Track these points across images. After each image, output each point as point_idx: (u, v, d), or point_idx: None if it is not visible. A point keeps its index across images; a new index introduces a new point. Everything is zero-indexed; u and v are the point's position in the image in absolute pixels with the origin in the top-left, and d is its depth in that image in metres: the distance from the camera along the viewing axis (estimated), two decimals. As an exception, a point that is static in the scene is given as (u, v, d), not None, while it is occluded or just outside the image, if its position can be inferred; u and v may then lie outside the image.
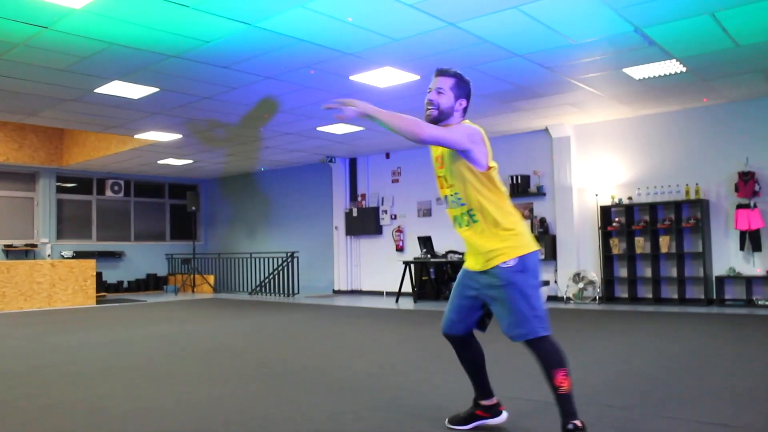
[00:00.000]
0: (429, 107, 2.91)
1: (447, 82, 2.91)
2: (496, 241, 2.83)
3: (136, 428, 3.33)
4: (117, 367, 5.19)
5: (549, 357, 2.77)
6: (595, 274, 10.33)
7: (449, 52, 6.74)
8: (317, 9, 5.50)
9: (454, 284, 3.06)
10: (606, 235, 10.29)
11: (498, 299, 2.83)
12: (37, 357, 5.81)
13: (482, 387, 3.13)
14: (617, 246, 10.19)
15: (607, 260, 10.28)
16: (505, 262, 2.79)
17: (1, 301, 10.75)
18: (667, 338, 6.30)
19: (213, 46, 6.41)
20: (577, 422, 2.72)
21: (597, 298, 10.22)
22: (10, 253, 13.75)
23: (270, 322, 8.47)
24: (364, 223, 13.51)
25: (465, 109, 2.99)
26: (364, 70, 7.32)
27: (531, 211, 11.28)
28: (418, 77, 7.66)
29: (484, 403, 3.14)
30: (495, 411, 3.15)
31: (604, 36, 6.25)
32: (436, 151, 3.01)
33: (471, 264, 2.97)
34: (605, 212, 10.29)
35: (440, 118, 2.91)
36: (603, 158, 10.46)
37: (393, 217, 13.28)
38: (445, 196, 3.00)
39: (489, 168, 2.87)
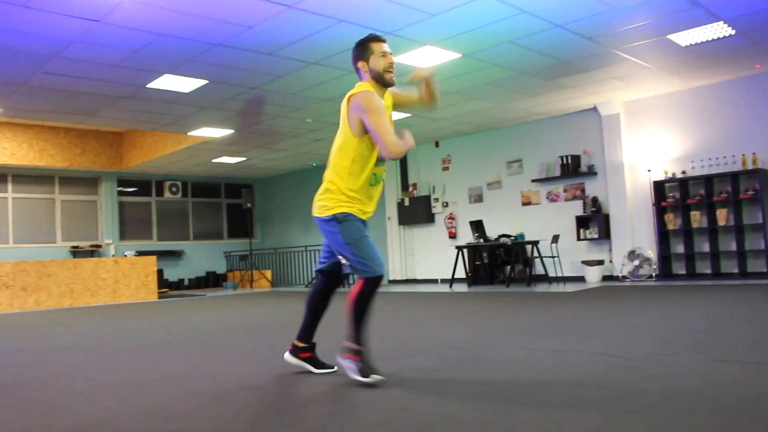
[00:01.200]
0: (392, 70, 3.28)
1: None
2: None
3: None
4: (177, 341, 5.40)
5: None
6: (651, 251, 10.14)
7: (488, 26, 6.75)
8: (353, -14, 5.61)
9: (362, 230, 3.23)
10: (660, 211, 10.09)
11: None
12: (105, 335, 6.09)
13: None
14: (672, 221, 9.98)
15: (663, 237, 10.08)
16: None
17: (70, 297, 11.23)
18: (726, 303, 6.18)
19: (256, 31, 6.58)
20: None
21: (654, 275, 10.03)
22: (77, 254, 14.32)
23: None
24: (417, 212, 13.58)
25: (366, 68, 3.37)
26: (407, 50, 7.37)
27: (583, 191, 11.15)
28: (459, 55, 7.68)
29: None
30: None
31: (643, -2, 6.17)
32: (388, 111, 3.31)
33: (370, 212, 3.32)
34: (659, 188, 10.10)
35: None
36: (654, 133, 10.27)
37: (444, 204, 13.30)
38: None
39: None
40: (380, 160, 3.22)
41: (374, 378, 3.03)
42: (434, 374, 3.39)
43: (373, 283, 3.10)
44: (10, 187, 14.01)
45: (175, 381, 3.54)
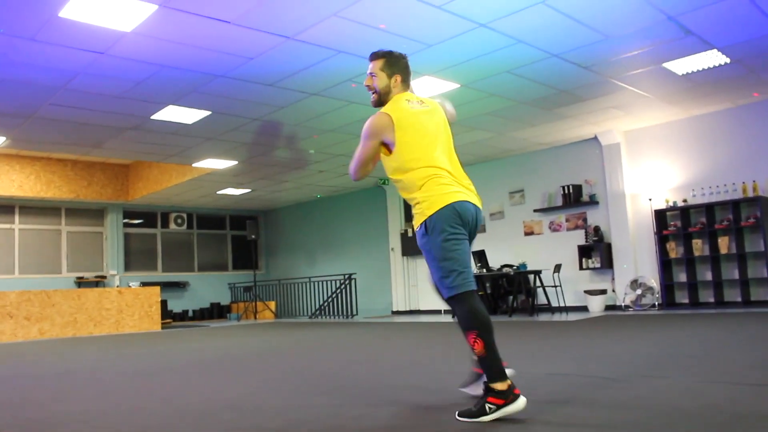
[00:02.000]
0: (370, 92, 3.12)
1: (377, 65, 3.08)
2: None
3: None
4: (178, 365, 5.42)
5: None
6: (653, 280, 10.12)
7: (485, 56, 6.86)
8: (350, 17, 5.72)
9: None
10: (662, 239, 10.09)
11: None
12: (109, 362, 6.11)
13: None
14: (674, 250, 9.98)
15: (665, 265, 10.07)
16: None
17: (74, 327, 11.25)
18: (727, 330, 6.16)
19: (257, 62, 6.71)
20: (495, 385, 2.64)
21: (656, 304, 10.00)
22: (82, 284, 14.39)
23: (325, 336, 8.63)
24: (419, 242, 13.57)
25: (403, 81, 3.11)
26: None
27: (585, 220, 11.17)
28: (458, 85, 7.79)
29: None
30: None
31: (637, 28, 6.26)
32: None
33: None
34: (660, 216, 10.12)
35: (382, 99, 3.08)
36: (655, 162, 10.32)
37: (447, 235, 13.29)
38: None
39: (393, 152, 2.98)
40: None
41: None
42: (432, 395, 3.40)
43: None
44: (17, 218, 14.15)
45: (169, 402, 3.56)
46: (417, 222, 2.89)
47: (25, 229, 14.26)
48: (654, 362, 4.20)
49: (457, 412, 2.70)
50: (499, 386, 2.63)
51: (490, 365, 2.67)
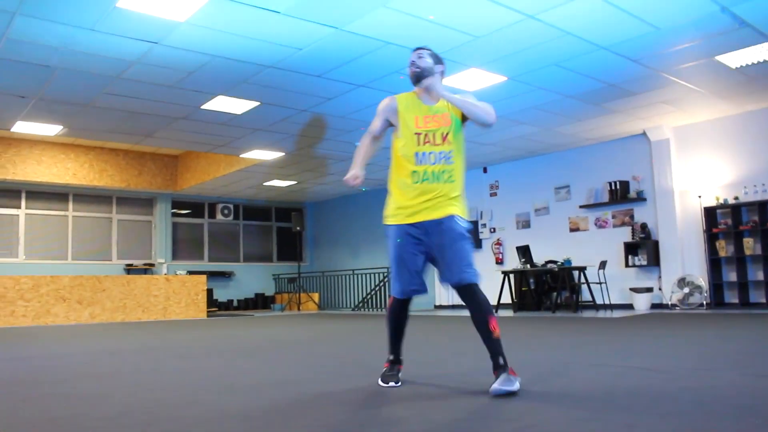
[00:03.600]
0: (412, 66, 3.23)
1: (425, 51, 3.27)
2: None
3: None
4: (225, 349, 5.56)
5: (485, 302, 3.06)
6: (701, 278, 9.93)
7: (532, 48, 6.83)
8: (399, 8, 5.77)
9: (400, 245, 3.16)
10: (712, 237, 9.90)
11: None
12: (159, 344, 6.30)
13: (398, 342, 3.37)
14: (724, 249, 9.78)
15: (714, 264, 9.87)
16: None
17: (123, 312, 11.58)
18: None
19: (306, 53, 6.80)
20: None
21: (705, 303, 9.81)
22: (131, 271, 14.76)
23: (367, 327, 8.70)
24: (463, 237, 13.56)
25: (443, 73, 3.31)
26: (452, 72, 7.48)
27: (632, 217, 11.02)
28: (505, 78, 7.77)
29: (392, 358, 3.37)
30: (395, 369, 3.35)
31: (689, 19, 6.15)
32: (448, 108, 3.21)
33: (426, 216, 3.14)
34: (710, 214, 9.92)
35: (422, 75, 3.20)
36: (705, 159, 10.12)
37: (492, 230, 13.29)
38: (429, 152, 3.15)
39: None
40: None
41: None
42: (467, 378, 3.43)
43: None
44: (71, 205, 14.58)
45: (219, 379, 3.67)
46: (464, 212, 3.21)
47: (78, 216, 14.69)
48: (701, 357, 4.15)
49: (495, 383, 2.84)
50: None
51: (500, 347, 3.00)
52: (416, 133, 3.16)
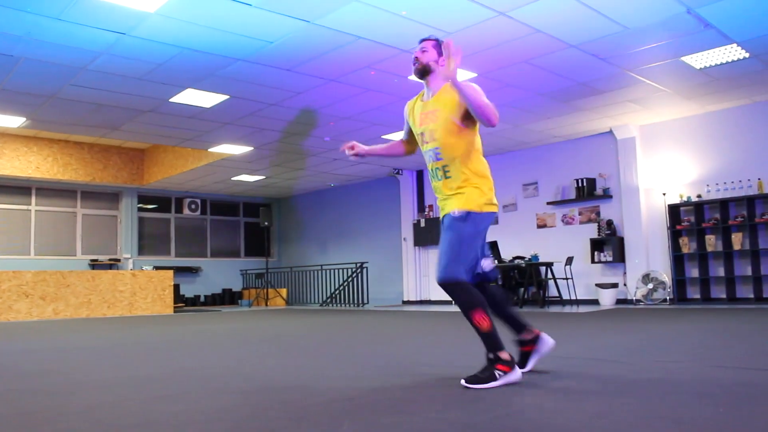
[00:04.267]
0: (415, 63, 3.20)
1: (429, 43, 3.21)
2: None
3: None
4: (192, 343, 5.51)
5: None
6: (665, 274, 10.12)
7: (503, 44, 6.88)
8: (371, 2, 5.77)
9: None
10: (675, 234, 10.10)
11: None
12: (125, 339, 6.21)
13: (513, 323, 3.25)
14: (687, 245, 9.98)
15: (678, 260, 10.07)
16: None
17: (87, 308, 11.39)
18: (738, 323, 6.17)
19: (276, 46, 6.77)
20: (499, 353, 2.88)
21: (668, 299, 10.00)
22: (96, 267, 14.53)
23: (336, 322, 8.70)
24: (432, 233, 13.65)
25: None
26: (422, 68, 7.50)
27: (598, 213, 11.18)
28: (475, 75, 7.82)
29: (524, 337, 3.25)
30: (537, 340, 3.26)
31: (657, 19, 6.26)
32: (437, 104, 3.15)
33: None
34: (674, 211, 10.12)
35: (425, 71, 3.18)
36: (670, 157, 10.32)
37: (459, 226, 13.34)
38: (426, 151, 3.20)
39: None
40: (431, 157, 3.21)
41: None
42: (442, 370, 3.46)
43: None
44: (33, 199, 14.29)
45: (186, 374, 3.64)
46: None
47: (41, 210, 14.40)
48: (666, 349, 4.23)
49: (463, 380, 2.85)
50: (505, 355, 2.89)
51: (497, 336, 2.93)
52: (419, 133, 3.23)
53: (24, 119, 9.63)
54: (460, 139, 3.07)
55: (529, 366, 3.23)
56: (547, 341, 3.26)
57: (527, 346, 3.25)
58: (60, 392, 3.08)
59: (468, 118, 3.06)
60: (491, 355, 2.89)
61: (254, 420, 2.32)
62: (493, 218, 3.13)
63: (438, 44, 3.20)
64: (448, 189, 3.11)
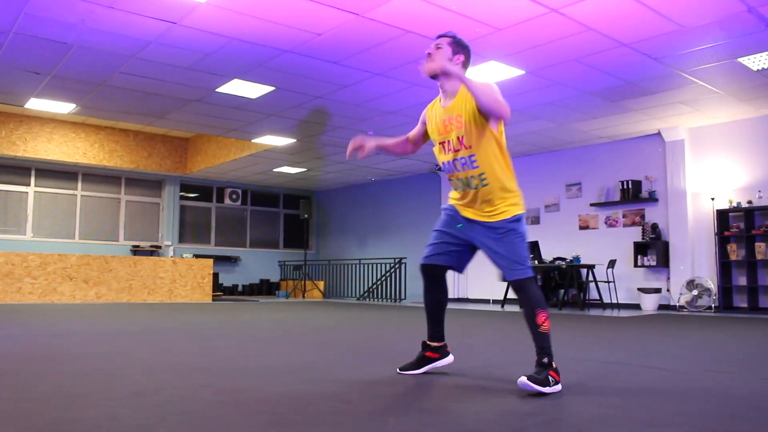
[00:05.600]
0: (426, 60, 3.06)
1: (444, 40, 3.06)
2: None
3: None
4: (232, 333, 5.55)
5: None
6: (711, 281, 9.88)
7: (553, 42, 6.76)
8: (422, -4, 5.71)
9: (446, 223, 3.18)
10: (723, 240, 9.84)
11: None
12: (162, 325, 6.29)
13: (436, 328, 3.27)
14: (735, 252, 9.72)
15: (724, 267, 9.82)
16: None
17: (128, 293, 11.58)
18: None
19: (324, 38, 6.75)
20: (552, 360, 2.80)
21: (713, 306, 9.76)
22: (137, 253, 14.76)
23: (374, 316, 8.69)
24: (471, 231, 13.53)
25: (464, 64, 3.07)
26: (470, 65, 7.41)
27: (642, 217, 10.96)
28: (523, 72, 7.71)
29: (433, 344, 3.27)
30: (443, 352, 3.27)
31: (715, 18, 6.08)
32: (459, 109, 2.99)
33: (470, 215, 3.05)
34: (722, 217, 9.86)
35: (435, 74, 3.02)
36: (720, 161, 10.05)
37: (499, 225, 13.21)
38: (453, 160, 3.03)
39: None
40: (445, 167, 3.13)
41: None
42: (471, 377, 3.41)
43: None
44: (79, 184, 14.57)
45: (227, 363, 3.65)
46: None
47: (86, 195, 14.68)
48: (714, 358, 4.11)
49: (525, 376, 2.66)
50: (554, 365, 2.79)
51: (550, 343, 2.85)
52: (441, 142, 3.07)
53: (74, 106, 9.81)
54: (493, 142, 2.92)
55: (423, 370, 3.24)
56: (449, 359, 3.29)
57: (433, 353, 3.26)
58: (104, 376, 3.11)
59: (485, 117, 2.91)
60: (545, 360, 2.77)
61: (296, 413, 2.30)
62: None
63: (455, 41, 3.05)
64: (486, 194, 2.94)
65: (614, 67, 7.52)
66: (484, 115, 2.88)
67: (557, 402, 2.55)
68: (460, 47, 3.05)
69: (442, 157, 3.07)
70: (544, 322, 2.82)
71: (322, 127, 10.58)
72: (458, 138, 2.96)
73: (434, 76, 3.03)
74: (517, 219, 2.93)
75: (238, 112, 9.76)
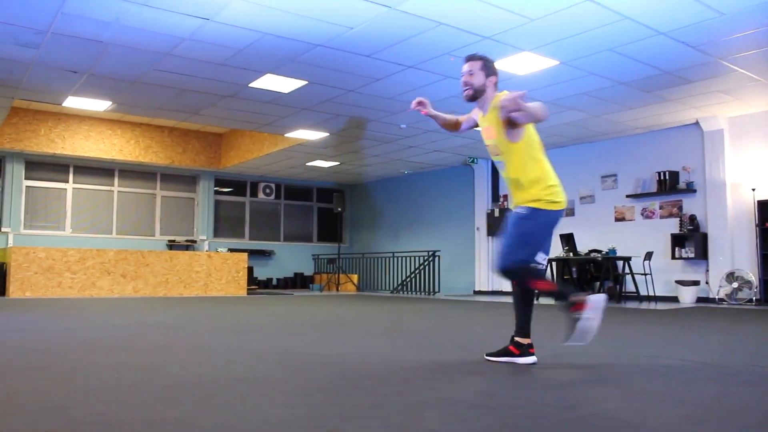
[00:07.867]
0: (465, 88, 3.32)
1: (475, 65, 3.30)
2: None
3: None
4: (267, 326, 5.59)
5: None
6: (751, 273, 9.67)
7: (588, 32, 6.66)
8: (454, -13, 5.66)
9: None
10: (765, 232, 9.62)
11: None
12: (199, 319, 6.36)
13: (522, 324, 3.35)
14: (777, 244, 9.50)
15: (766, 259, 9.60)
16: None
17: (165, 287, 11.75)
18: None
19: (356, 32, 6.74)
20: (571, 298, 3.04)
21: (754, 299, 9.56)
22: (173, 247, 14.96)
23: (408, 309, 8.68)
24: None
25: (495, 84, 3.35)
26: (503, 56, 7.35)
27: (680, 208, 10.76)
28: (557, 62, 7.61)
29: (518, 339, 3.33)
30: (525, 351, 3.32)
31: (756, 3, 5.92)
32: (490, 121, 3.31)
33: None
34: (764, 208, 9.63)
35: (476, 95, 3.33)
36: (761, 151, 9.82)
37: (534, 217, 13.10)
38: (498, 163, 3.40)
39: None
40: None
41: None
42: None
43: None
44: (116, 180, 14.81)
45: (263, 356, 3.67)
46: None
47: (123, 191, 14.92)
48: (758, 354, 4.02)
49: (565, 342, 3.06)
50: (575, 297, 3.04)
51: (565, 288, 3.23)
52: (486, 144, 3.40)
53: (110, 103, 9.95)
54: (517, 150, 3.22)
55: (495, 359, 3.35)
56: (529, 360, 3.30)
57: (516, 348, 3.32)
58: (144, 368, 3.15)
59: (510, 125, 3.14)
60: (564, 303, 3.03)
61: (333, 407, 2.30)
62: (555, 216, 3.27)
63: (485, 65, 3.29)
64: (517, 191, 3.31)
65: (651, 56, 7.38)
66: (509, 125, 3.17)
67: (596, 397, 2.51)
68: (490, 70, 3.33)
69: (492, 157, 3.41)
70: (546, 286, 3.18)
71: (361, 132, 10.59)
72: (494, 145, 3.32)
73: (474, 99, 3.36)
74: (529, 210, 3.23)
75: (271, 106, 9.81)
